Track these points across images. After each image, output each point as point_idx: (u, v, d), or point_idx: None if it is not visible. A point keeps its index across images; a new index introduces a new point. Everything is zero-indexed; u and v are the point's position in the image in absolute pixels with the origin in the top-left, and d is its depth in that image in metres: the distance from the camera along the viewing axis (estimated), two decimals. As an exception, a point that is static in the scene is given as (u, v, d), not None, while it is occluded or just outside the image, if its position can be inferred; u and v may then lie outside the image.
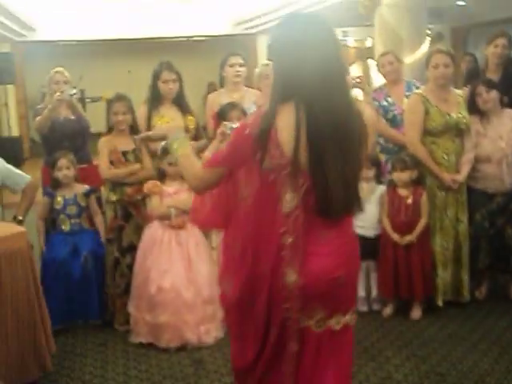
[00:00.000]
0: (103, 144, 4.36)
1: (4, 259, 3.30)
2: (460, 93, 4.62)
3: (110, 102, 4.42)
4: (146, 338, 4.08)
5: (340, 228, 2.26)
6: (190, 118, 4.68)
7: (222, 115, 3.99)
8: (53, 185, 4.51)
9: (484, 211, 4.55)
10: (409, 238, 4.33)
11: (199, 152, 4.42)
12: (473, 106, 4.54)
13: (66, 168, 4.46)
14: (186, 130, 4.62)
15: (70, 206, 4.45)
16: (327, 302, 2.25)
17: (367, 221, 4.34)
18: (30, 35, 13.04)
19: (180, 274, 4.02)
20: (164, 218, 4.12)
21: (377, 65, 5.32)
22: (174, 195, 4.14)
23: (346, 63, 2.23)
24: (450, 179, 4.37)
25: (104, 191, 4.47)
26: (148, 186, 4.15)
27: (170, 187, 4.18)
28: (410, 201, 4.39)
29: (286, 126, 2.08)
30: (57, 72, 5.31)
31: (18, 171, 4.24)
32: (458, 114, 4.40)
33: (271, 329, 2.27)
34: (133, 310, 4.12)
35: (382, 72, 5.10)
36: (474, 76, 5.32)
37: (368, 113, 2.27)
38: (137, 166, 4.35)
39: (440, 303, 4.45)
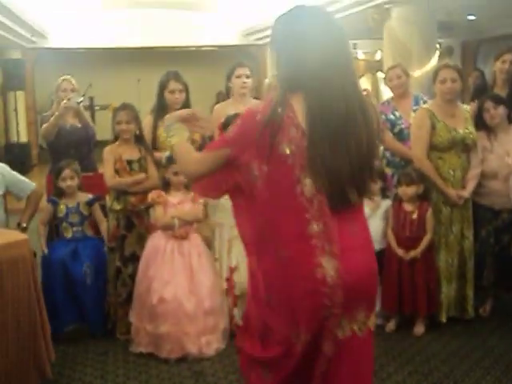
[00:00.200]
0: (108, 153, 4.36)
1: (6, 266, 3.29)
2: (467, 108, 4.61)
3: (115, 111, 4.43)
4: (147, 348, 4.06)
5: (362, 222, 2.26)
6: (196, 128, 4.66)
7: (227, 126, 3.98)
8: (56, 194, 4.53)
9: (490, 228, 4.52)
10: (413, 254, 4.30)
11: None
12: (480, 122, 4.53)
13: (70, 178, 4.47)
14: (192, 140, 4.62)
15: (73, 215, 4.46)
16: (369, 299, 2.21)
17: (372, 234, 4.30)
18: (41, 42, 13.13)
19: (182, 285, 4.00)
20: (167, 228, 4.12)
21: (384, 78, 5.32)
22: (177, 205, 4.13)
23: (352, 52, 2.19)
24: (456, 195, 4.35)
25: (108, 200, 4.46)
26: (152, 195, 4.15)
27: (174, 197, 4.18)
28: (415, 216, 4.36)
29: (300, 110, 2.08)
30: (64, 80, 5.33)
31: (22, 178, 4.25)
32: (465, 129, 4.38)
33: (302, 328, 2.13)
34: (134, 320, 4.10)
35: (390, 86, 5.09)
36: (481, 92, 5.31)
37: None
38: (142, 175, 4.35)
39: (443, 319, 4.41)
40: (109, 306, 4.39)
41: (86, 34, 13.38)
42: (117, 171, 4.33)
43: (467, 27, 11.38)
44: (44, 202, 4.58)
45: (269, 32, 2.35)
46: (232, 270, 4.30)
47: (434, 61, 8.19)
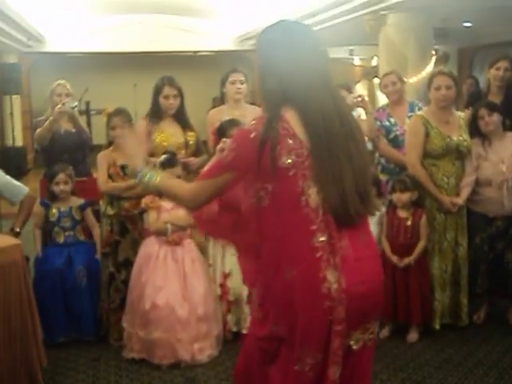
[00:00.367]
0: (102, 158, 4.36)
1: (-2, 271, 3.29)
2: (462, 115, 4.61)
3: (109, 116, 4.42)
4: (139, 353, 4.04)
5: (368, 233, 2.24)
6: (190, 133, 4.67)
7: (221, 132, 4.00)
8: (49, 197, 4.52)
9: (484, 235, 4.52)
10: (407, 261, 4.29)
11: (199, 168, 4.44)
12: (474, 129, 4.53)
13: (63, 183, 4.46)
14: (186, 145, 4.63)
15: (65, 219, 4.45)
16: (378, 310, 2.19)
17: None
18: (37, 46, 13.12)
19: (175, 291, 3.98)
20: (161, 233, 4.10)
21: (379, 84, 5.32)
22: (171, 211, 4.11)
23: (330, 65, 2.21)
24: (450, 202, 4.34)
25: (102, 205, 4.45)
26: (145, 200, 4.13)
27: (167, 202, 4.15)
28: (409, 222, 4.36)
29: (294, 122, 2.08)
30: (59, 84, 5.31)
31: (16, 183, 4.23)
32: (459, 136, 4.38)
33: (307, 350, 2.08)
34: (127, 326, 4.08)
35: (385, 92, 5.09)
36: (476, 99, 5.31)
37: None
38: (135, 180, 4.33)
39: (437, 327, 4.40)
40: (102, 311, 4.38)
41: (83, 39, 13.40)
42: (110, 176, 4.32)
43: (463, 34, 11.39)
44: (37, 207, 4.56)
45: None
46: (226, 276, 4.29)
47: (429, 67, 8.20)
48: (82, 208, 4.51)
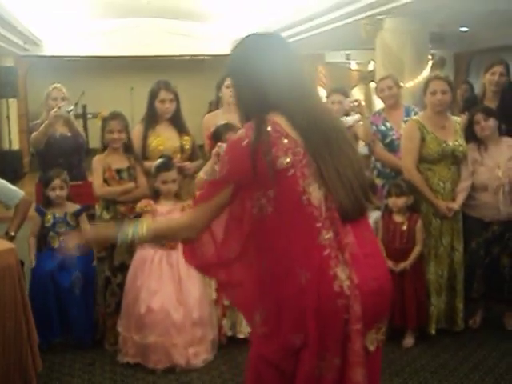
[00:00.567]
0: (97, 162, 4.35)
1: (-8, 275, 3.28)
2: (458, 120, 4.61)
3: (105, 120, 4.41)
4: (134, 358, 4.03)
5: (370, 229, 2.23)
6: (186, 137, 4.67)
7: (217, 136, 3.98)
8: (44, 203, 4.49)
9: (480, 240, 4.51)
10: (403, 265, 4.29)
11: (194, 172, 4.44)
12: (471, 134, 4.52)
13: (59, 188, 4.43)
14: (182, 149, 4.62)
15: (60, 224, 4.42)
16: (389, 308, 2.16)
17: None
18: (34, 50, 13.09)
19: (170, 295, 3.97)
20: (156, 237, 4.08)
21: (375, 89, 5.31)
22: (166, 214, 4.09)
23: (304, 66, 2.24)
24: (445, 207, 4.34)
25: (97, 209, 4.44)
26: (140, 204, 4.13)
27: (163, 206, 4.15)
28: (405, 227, 4.35)
29: (284, 125, 2.07)
30: (54, 88, 5.30)
31: (11, 187, 4.22)
32: (455, 141, 4.38)
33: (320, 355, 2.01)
34: (122, 330, 4.07)
35: (381, 96, 5.08)
36: (471, 104, 5.31)
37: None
38: (131, 184, 4.34)
39: (433, 331, 4.40)
40: (98, 316, 4.36)
41: (80, 42, 13.38)
42: (106, 180, 4.32)
43: (460, 39, 11.40)
44: (33, 211, 4.54)
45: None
46: (221, 281, 4.27)
47: (426, 72, 8.21)
48: (76, 214, 4.48)
